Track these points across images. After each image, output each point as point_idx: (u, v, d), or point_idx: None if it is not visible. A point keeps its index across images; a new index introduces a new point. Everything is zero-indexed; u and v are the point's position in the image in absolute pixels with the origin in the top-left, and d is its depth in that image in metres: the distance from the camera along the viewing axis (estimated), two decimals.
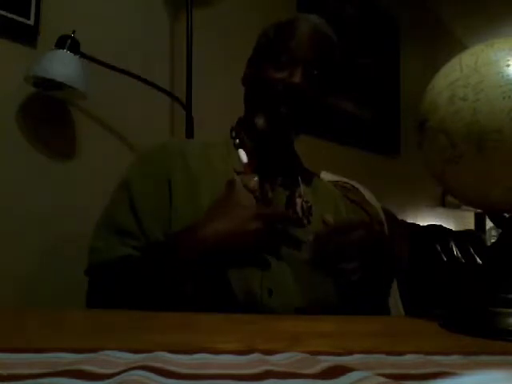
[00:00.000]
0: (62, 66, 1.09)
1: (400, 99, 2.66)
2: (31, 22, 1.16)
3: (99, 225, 0.76)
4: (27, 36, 1.17)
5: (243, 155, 0.84)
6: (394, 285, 1.51)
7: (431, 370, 0.31)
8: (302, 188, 0.86)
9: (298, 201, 0.83)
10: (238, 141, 0.86)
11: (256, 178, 0.80)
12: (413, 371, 0.31)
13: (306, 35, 0.81)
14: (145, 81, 1.28)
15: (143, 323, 0.51)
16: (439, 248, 1.84)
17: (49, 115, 1.22)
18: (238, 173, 0.81)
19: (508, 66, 0.48)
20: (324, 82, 0.84)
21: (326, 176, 1.40)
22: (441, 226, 2.04)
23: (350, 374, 0.28)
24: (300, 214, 0.82)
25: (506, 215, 0.54)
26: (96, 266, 0.75)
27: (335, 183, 1.34)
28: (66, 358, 0.31)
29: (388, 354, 0.36)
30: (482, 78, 0.49)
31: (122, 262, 0.72)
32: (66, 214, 1.22)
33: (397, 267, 1.54)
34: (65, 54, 1.11)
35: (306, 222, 0.82)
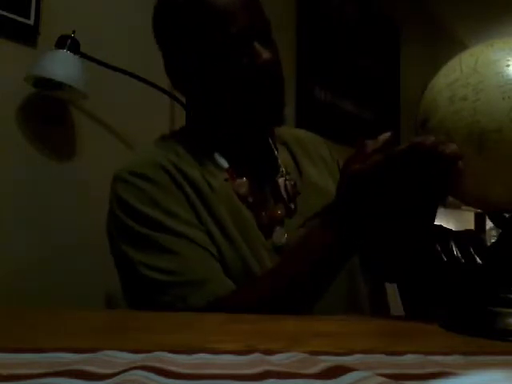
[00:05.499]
0: (61, 66, 1.09)
1: (400, 99, 2.66)
2: (31, 22, 1.16)
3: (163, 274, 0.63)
4: (27, 36, 1.17)
5: (221, 160, 0.74)
6: (394, 285, 1.51)
7: (431, 370, 0.31)
8: (282, 159, 0.78)
9: (281, 181, 0.75)
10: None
11: (245, 180, 0.73)
12: (413, 371, 0.31)
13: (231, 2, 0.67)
14: (145, 81, 1.28)
15: (143, 323, 0.51)
16: (439, 248, 1.84)
17: (49, 115, 1.22)
18: (226, 180, 0.73)
19: (508, 66, 0.48)
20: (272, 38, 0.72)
21: None
22: (441, 225, 2.03)
23: (350, 373, 0.28)
24: (285, 195, 0.74)
25: (506, 215, 0.54)
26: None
27: None
28: (66, 358, 0.31)
29: (388, 354, 0.36)
30: (482, 78, 0.49)
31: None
32: (66, 213, 1.22)
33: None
34: (65, 54, 1.11)
35: (292, 205, 0.75)
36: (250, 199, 0.73)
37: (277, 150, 0.80)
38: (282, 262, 0.66)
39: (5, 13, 1.11)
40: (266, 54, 0.67)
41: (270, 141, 0.80)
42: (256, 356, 0.33)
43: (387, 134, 0.55)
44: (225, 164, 0.74)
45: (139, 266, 0.64)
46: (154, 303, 0.63)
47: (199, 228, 0.67)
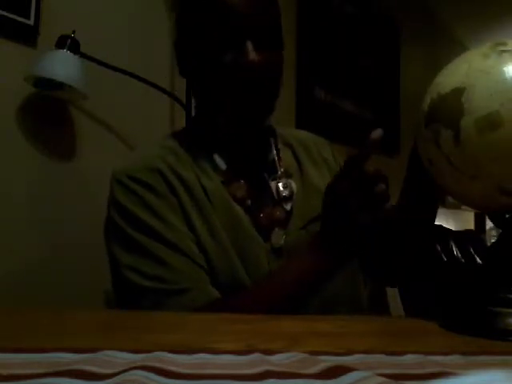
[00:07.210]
0: (61, 66, 1.09)
1: (400, 99, 2.66)
2: (31, 22, 1.16)
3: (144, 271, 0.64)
4: (27, 36, 1.17)
5: (219, 160, 0.74)
6: None
7: (431, 369, 0.31)
8: (285, 161, 0.79)
9: (279, 183, 0.75)
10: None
11: (242, 183, 0.73)
12: (413, 371, 0.31)
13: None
14: (145, 81, 1.28)
15: (143, 323, 0.51)
16: (439, 248, 1.84)
17: (49, 115, 1.22)
18: (224, 182, 0.73)
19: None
20: (277, 42, 0.72)
21: None
22: (441, 225, 2.03)
23: (350, 373, 0.28)
24: (278, 196, 0.74)
25: (506, 215, 0.54)
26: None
27: None
28: (66, 358, 0.31)
29: (388, 354, 0.36)
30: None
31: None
32: (66, 213, 1.22)
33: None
34: (65, 54, 1.11)
35: (289, 206, 0.74)
36: (248, 202, 0.73)
37: (278, 150, 0.80)
38: (268, 280, 0.68)
39: (5, 13, 1.11)
40: (252, 55, 0.65)
41: (272, 141, 0.81)
42: (256, 356, 0.33)
43: (377, 133, 0.57)
44: (223, 165, 0.74)
45: (125, 268, 0.65)
46: (134, 306, 0.64)
47: (190, 237, 0.67)
